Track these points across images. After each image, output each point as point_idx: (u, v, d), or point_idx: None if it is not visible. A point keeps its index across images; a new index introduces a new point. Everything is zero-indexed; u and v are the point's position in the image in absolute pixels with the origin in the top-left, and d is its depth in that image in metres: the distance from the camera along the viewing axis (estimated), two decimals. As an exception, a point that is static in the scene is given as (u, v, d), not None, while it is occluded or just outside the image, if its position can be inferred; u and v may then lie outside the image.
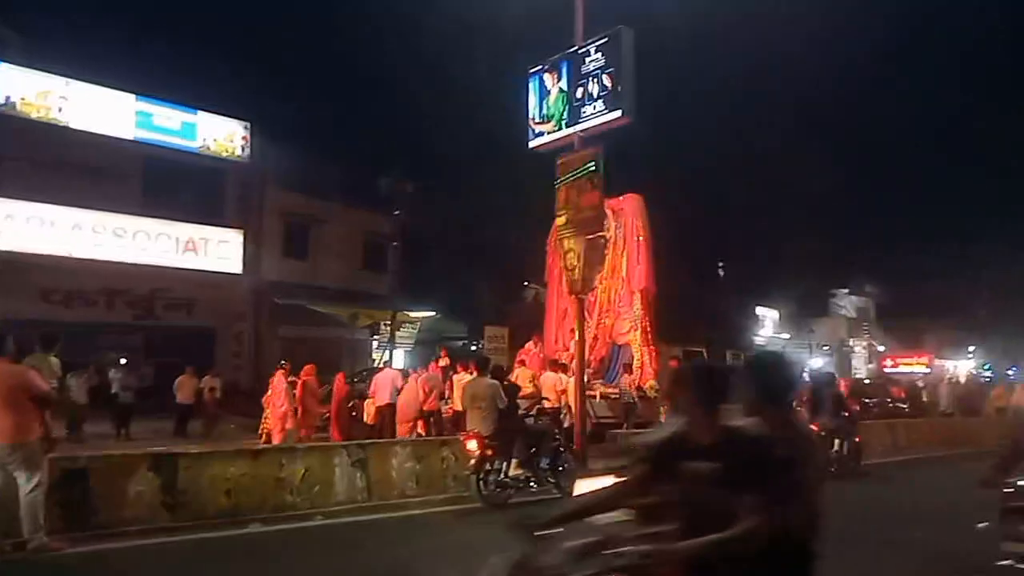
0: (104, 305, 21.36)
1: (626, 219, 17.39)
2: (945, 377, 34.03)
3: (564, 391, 13.40)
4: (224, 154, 24.20)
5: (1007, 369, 36.17)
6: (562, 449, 9.62)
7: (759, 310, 40.73)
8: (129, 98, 22.46)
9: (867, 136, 52.57)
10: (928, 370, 36.77)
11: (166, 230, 22.44)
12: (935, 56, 51.87)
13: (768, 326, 41.54)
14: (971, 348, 46.48)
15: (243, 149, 24.53)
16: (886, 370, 37.76)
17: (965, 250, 45.50)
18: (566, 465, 9.55)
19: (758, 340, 37.90)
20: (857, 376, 36.46)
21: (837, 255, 41.29)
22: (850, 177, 47.27)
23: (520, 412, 10.31)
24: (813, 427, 7.64)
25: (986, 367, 41.67)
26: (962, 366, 44.46)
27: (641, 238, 17.10)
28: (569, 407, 12.86)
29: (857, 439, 12.16)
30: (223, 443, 13.32)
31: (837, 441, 11.50)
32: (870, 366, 41.51)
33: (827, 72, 49.91)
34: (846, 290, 47.05)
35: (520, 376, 13.64)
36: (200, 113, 23.81)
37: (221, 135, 24.26)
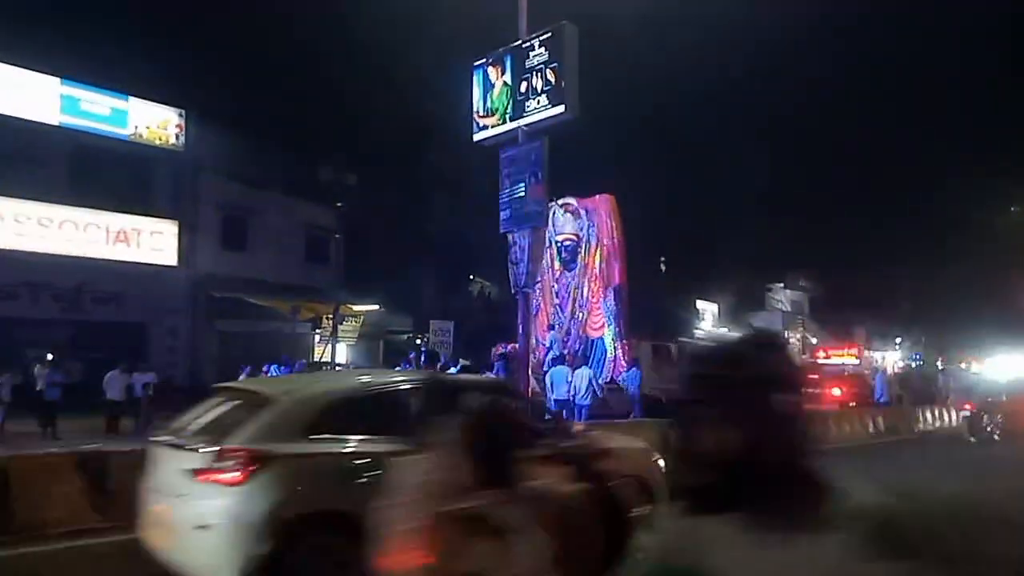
0: (28, 299, 20.36)
1: (599, 219, 18.33)
2: (890, 366, 35.72)
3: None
4: (157, 142, 23.34)
5: (936, 359, 38.06)
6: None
7: (699, 304, 41.70)
8: (53, 82, 21.42)
9: (802, 136, 54.33)
10: (858, 361, 38.28)
11: (95, 220, 21.52)
12: (870, 55, 53.94)
13: (708, 319, 42.57)
14: (898, 339, 48.66)
15: (177, 137, 23.71)
16: (819, 362, 39.13)
17: (891, 245, 47.59)
18: None
19: (698, 333, 38.80)
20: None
21: (774, 251, 42.60)
22: (786, 175, 48.75)
23: None
24: None
25: (916, 357, 43.72)
26: (889, 357, 46.52)
27: (615, 238, 18.09)
28: None
29: None
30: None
31: None
32: (804, 357, 42.95)
33: (763, 71, 51.34)
34: (782, 284, 48.58)
35: None
36: (131, 99, 22.90)
37: (154, 122, 23.39)
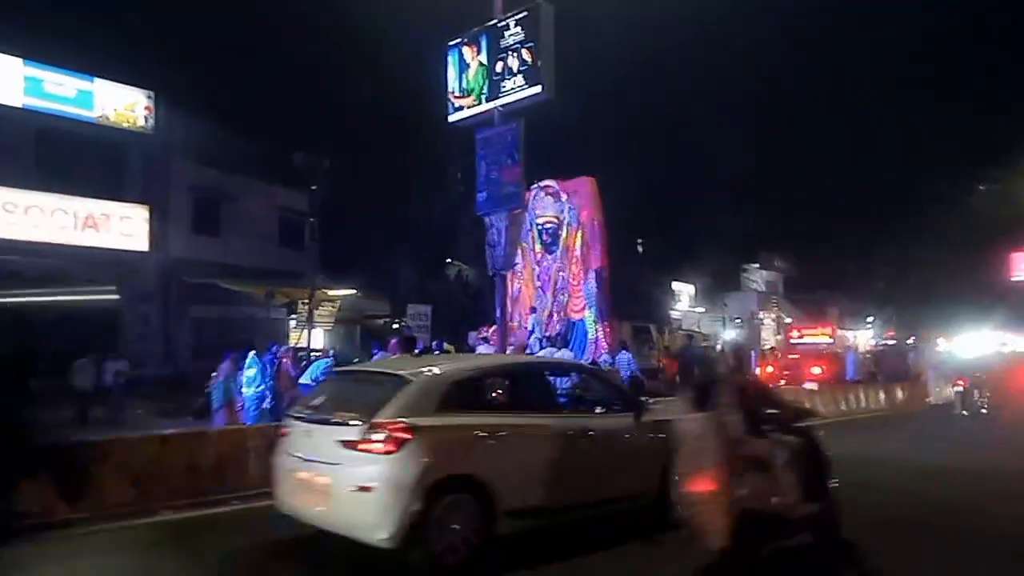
0: (-7, 286, 19.88)
1: (580, 201, 18.30)
2: (863, 344, 36.36)
3: None
4: (126, 125, 22.76)
5: (907, 339, 38.78)
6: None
7: (675, 285, 41.97)
8: (16, 62, 20.74)
9: (776, 117, 54.66)
10: (831, 340, 38.87)
11: (63, 205, 20.99)
12: (843, 38, 54.19)
13: (684, 300, 42.89)
14: (870, 318, 49.48)
15: (146, 120, 23.13)
16: (792, 341, 39.68)
17: (863, 226, 48.20)
18: None
19: (674, 314, 39.10)
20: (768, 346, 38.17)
21: (749, 231, 42.92)
22: (761, 156, 49.06)
23: None
24: None
25: (886, 338, 44.49)
26: (862, 335, 47.34)
27: (596, 220, 18.05)
28: None
29: None
30: (129, 429, 12.72)
31: None
32: (778, 337, 43.52)
33: (740, 51, 51.37)
34: (756, 265, 49.06)
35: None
36: (98, 80, 22.26)
37: (122, 104, 22.78)
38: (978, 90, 52.16)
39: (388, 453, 5.20)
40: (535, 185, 18.96)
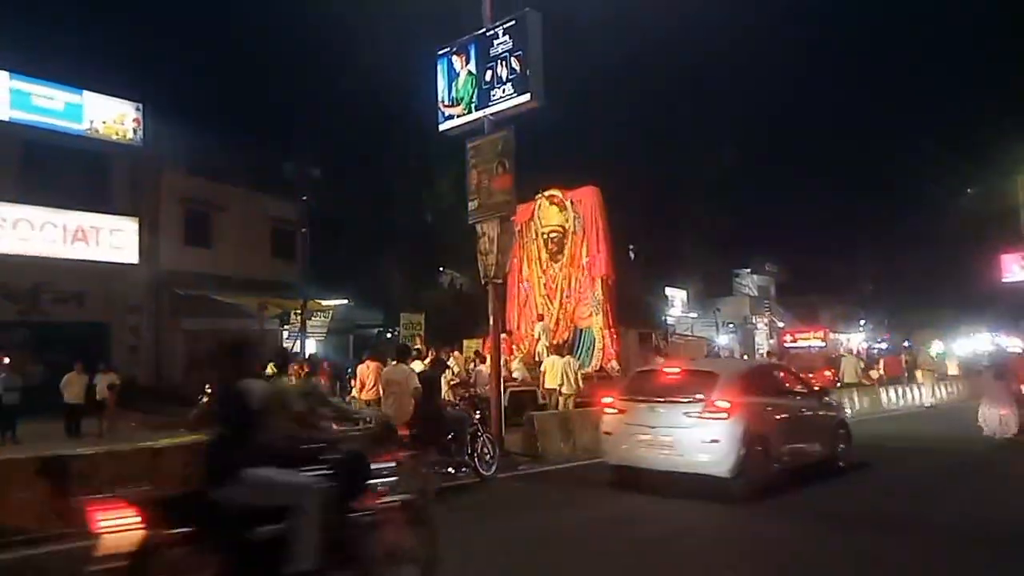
0: (-18, 301, 19.76)
1: (584, 210, 18.65)
2: (854, 347, 36.50)
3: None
4: (114, 137, 22.73)
5: (903, 341, 38.92)
6: (480, 434, 9.66)
7: (668, 291, 42.02)
8: (2, 75, 20.72)
9: (764, 122, 55.01)
10: (823, 344, 38.98)
11: (52, 219, 20.91)
12: (830, 41, 54.68)
13: (677, 306, 42.95)
14: (861, 321, 49.65)
15: (135, 132, 23.10)
16: (786, 345, 39.78)
17: (854, 229, 48.47)
18: (485, 450, 9.64)
19: (668, 320, 39.14)
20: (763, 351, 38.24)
21: (741, 236, 43.12)
22: (749, 161, 49.30)
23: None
24: None
25: (880, 341, 44.67)
26: (854, 338, 47.46)
27: (600, 229, 18.40)
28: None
29: None
30: (121, 442, 12.61)
31: None
32: (771, 341, 43.63)
33: (725, 55, 51.78)
34: (748, 270, 49.21)
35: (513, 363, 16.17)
36: (86, 93, 22.24)
37: (110, 117, 22.75)
38: (967, 91, 52.60)
39: (727, 418, 8.06)
40: (540, 195, 19.31)
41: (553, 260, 19.25)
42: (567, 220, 18.97)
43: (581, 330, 18.56)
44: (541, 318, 18.74)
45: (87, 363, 16.24)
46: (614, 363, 17.46)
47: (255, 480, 3.89)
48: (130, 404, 17.28)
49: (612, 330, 18.07)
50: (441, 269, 33.35)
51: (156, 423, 16.93)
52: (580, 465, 10.87)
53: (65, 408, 15.51)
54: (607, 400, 9.21)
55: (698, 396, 8.32)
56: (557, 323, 18.78)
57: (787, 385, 10.15)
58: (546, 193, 19.24)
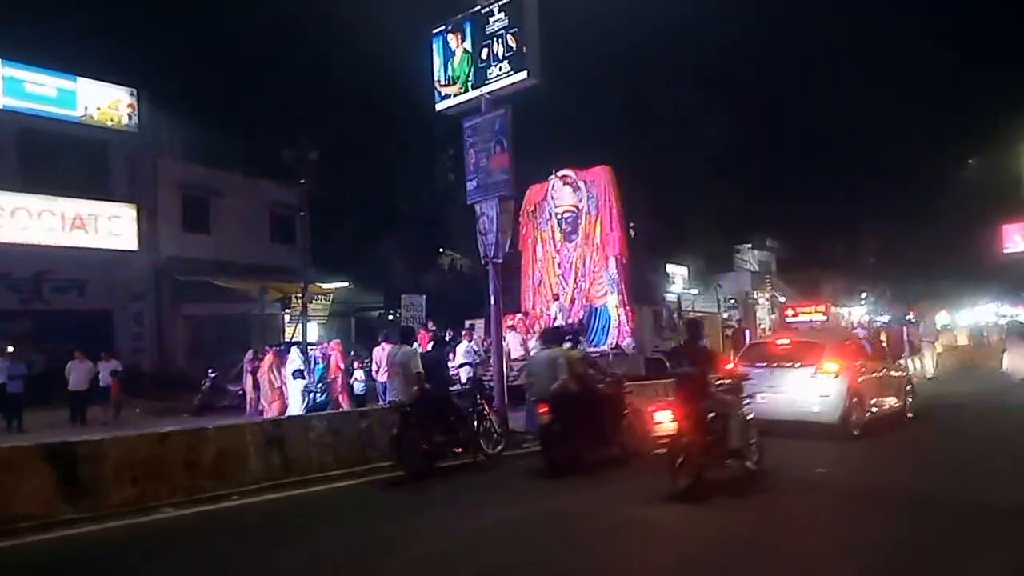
0: (-17, 290, 19.78)
1: (598, 190, 18.81)
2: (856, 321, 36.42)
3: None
4: (109, 123, 22.59)
5: (905, 315, 38.90)
6: (485, 413, 9.71)
7: (669, 267, 41.96)
8: (-4, 63, 20.57)
9: (765, 96, 54.49)
10: (825, 318, 38.97)
11: (50, 207, 20.86)
12: (830, 14, 54.01)
13: (678, 282, 42.91)
14: (863, 295, 49.60)
15: (130, 118, 22.95)
16: (787, 319, 39.78)
17: (855, 202, 48.25)
18: (491, 429, 9.70)
19: (669, 296, 39.14)
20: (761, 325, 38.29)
21: (741, 211, 42.94)
22: (750, 135, 48.93)
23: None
24: None
25: (883, 314, 44.63)
26: (856, 312, 47.44)
27: (614, 208, 18.54)
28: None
29: None
30: (127, 428, 12.70)
31: None
32: (772, 316, 43.62)
33: (726, 29, 51.20)
34: (749, 245, 49.07)
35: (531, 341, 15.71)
36: (80, 79, 22.06)
37: (104, 103, 22.59)
38: (968, 63, 52.19)
39: (835, 377, 10.39)
40: (553, 175, 19.52)
41: (567, 240, 19.48)
42: (580, 200, 19.17)
43: (596, 308, 18.74)
44: (557, 297, 19.04)
45: (90, 351, 16.28)
46: (629, 340, 17.71)
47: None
48: (134, 391, 17.36)
49: (628, 308, 18.27)
50: (441, 250, 33.33)
51: (160, 409, 17.07)
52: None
53: (70, 396, 15.57)
54: (729, 367, 9.91)
55: (809, 361, 10.72)
56: (572, 302, 19.00)
57: (870, 352, 12.68)
58: (559, 173, 19.43)
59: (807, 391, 10.39)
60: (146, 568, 5.80)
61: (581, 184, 19.08)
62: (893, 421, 11.51)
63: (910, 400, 12.44)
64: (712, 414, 7.21)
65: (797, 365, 10.76)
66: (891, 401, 11.77)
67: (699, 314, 31.72)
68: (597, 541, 5.87)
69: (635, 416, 9.36)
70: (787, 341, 12.26)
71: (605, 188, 18.68)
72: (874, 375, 11.47)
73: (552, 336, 9.93)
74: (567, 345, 9.67)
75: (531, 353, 15.80)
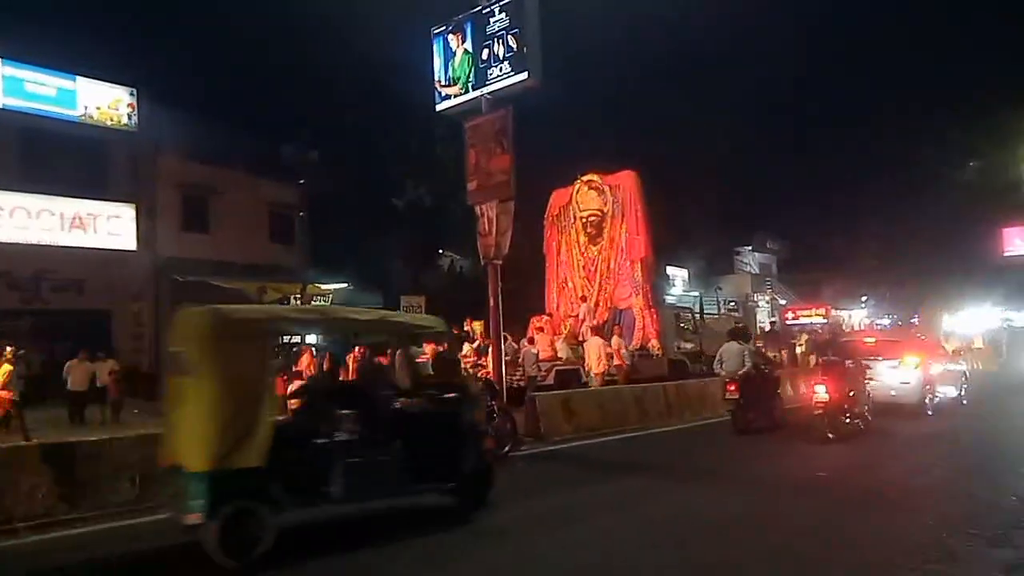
0: (-18, 289, 19.72)
1: (623, 194, 19.39)
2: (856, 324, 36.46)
3: (610, 353, 15.50)
4: (109, 122, 22.53)
5: (911, 318, 38.87)
6: (494, 415, 9.77)
7: (670, 270, 41.92)
8: (-4, 62, 20.52)
9: (766, 98, 54.54)
10: (825, 320, 38.97)
11: (49, 206, 20.81)
12: (833, 16, 54.06)
13: (679, 285, 42.87)
14: (863, 297, 49.52)
15: (130, 117, 22.90)
16: (788, 322, 39.77)
17: (855, 204, 48.16)
18: (500, 425, 9.87)
19: (670, 299, 39.11)
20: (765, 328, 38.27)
21: (741, 214, 42.91)
22: (751, 137, 48.91)
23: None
24: None
25: (888, 316, 44.60)
26: (856, 315, 47.39)
27: (639, 212, 19.20)
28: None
29: None
30: (125, 429, 12.66)
31: None
32: (773, 319, 43.61)
33: (726, 31, 51.25)
34: (749, 247, 49.03)
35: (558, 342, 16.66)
36: (79, 79, 22.01)
37: (104, 102, 22.52)
38: (968, 64, 52.12)
39: (915, 369, 13.41)
40: (578, 180, 20.09)
41: (592, 243, 19.95)
42: (605, 204, 19.64)
43: (621, 311, 19.09)
44: (585, 299, 19.30)
45: (90, 351, 16.23)
46: (654, 342, 18.13)
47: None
48: (133, 391, 17.31)
49: (652, 310, 18.72)
50: (441, 251, 33.29)
51: (160, 409, 17.00)
52: (583, 445, 10.96)
53: (69, 396, 15.53)
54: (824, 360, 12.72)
55: (892, 355, 13.72)
56: (596, 304, 19.37)
57: (934, 349, 16.02)
58: (584, 178, 19.92)
59: (892, 378, 13.30)
60: (146, 568, 5.77)
61: (606, 189, 19.59)
62: (954, 405, 14.81)
63: (966, 388, 15.68)
64: (850, 390, 10.95)
65: (883, 359, 13.59)
66: (952, 389, 14.92)
67: (721, 317, 31.68)
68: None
69: (782, 394, 13.05)
70: (872, 339, 15.66)
71: (630, 193, 19.18)
72: (940, 367, 14.66)
73: (740, 333, 13.16)
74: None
75: (558, 354, 16.46)
